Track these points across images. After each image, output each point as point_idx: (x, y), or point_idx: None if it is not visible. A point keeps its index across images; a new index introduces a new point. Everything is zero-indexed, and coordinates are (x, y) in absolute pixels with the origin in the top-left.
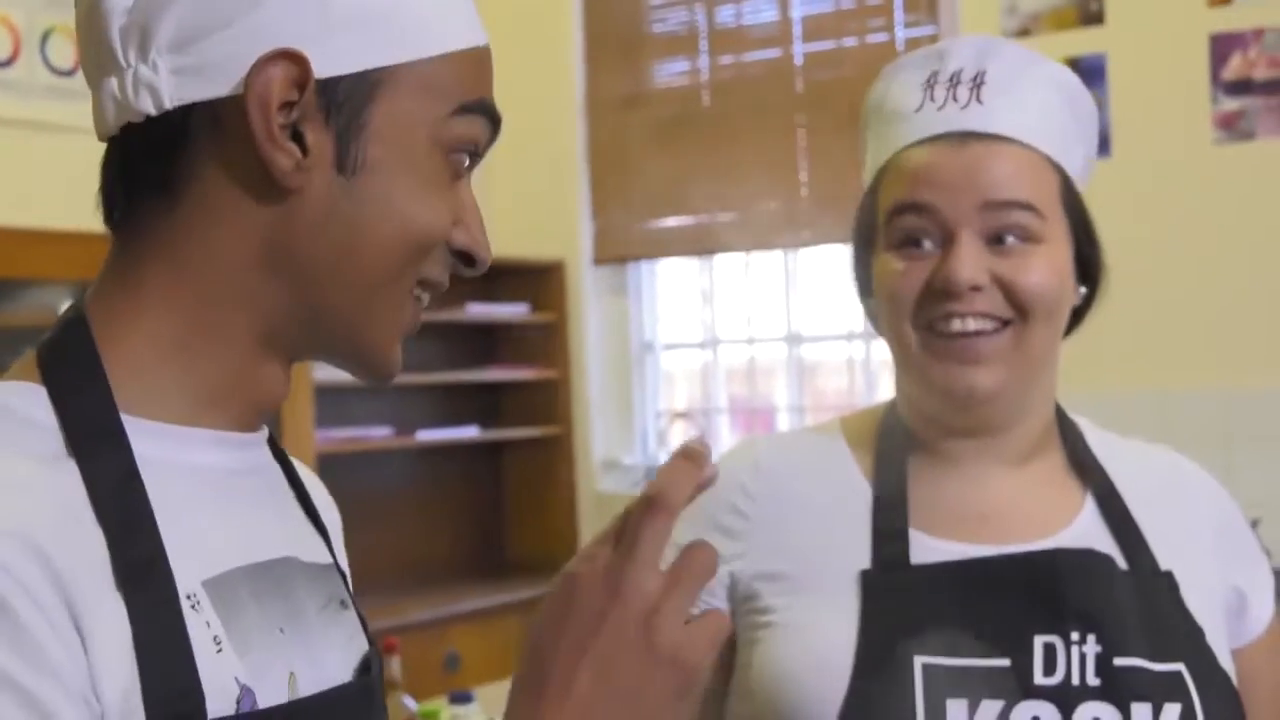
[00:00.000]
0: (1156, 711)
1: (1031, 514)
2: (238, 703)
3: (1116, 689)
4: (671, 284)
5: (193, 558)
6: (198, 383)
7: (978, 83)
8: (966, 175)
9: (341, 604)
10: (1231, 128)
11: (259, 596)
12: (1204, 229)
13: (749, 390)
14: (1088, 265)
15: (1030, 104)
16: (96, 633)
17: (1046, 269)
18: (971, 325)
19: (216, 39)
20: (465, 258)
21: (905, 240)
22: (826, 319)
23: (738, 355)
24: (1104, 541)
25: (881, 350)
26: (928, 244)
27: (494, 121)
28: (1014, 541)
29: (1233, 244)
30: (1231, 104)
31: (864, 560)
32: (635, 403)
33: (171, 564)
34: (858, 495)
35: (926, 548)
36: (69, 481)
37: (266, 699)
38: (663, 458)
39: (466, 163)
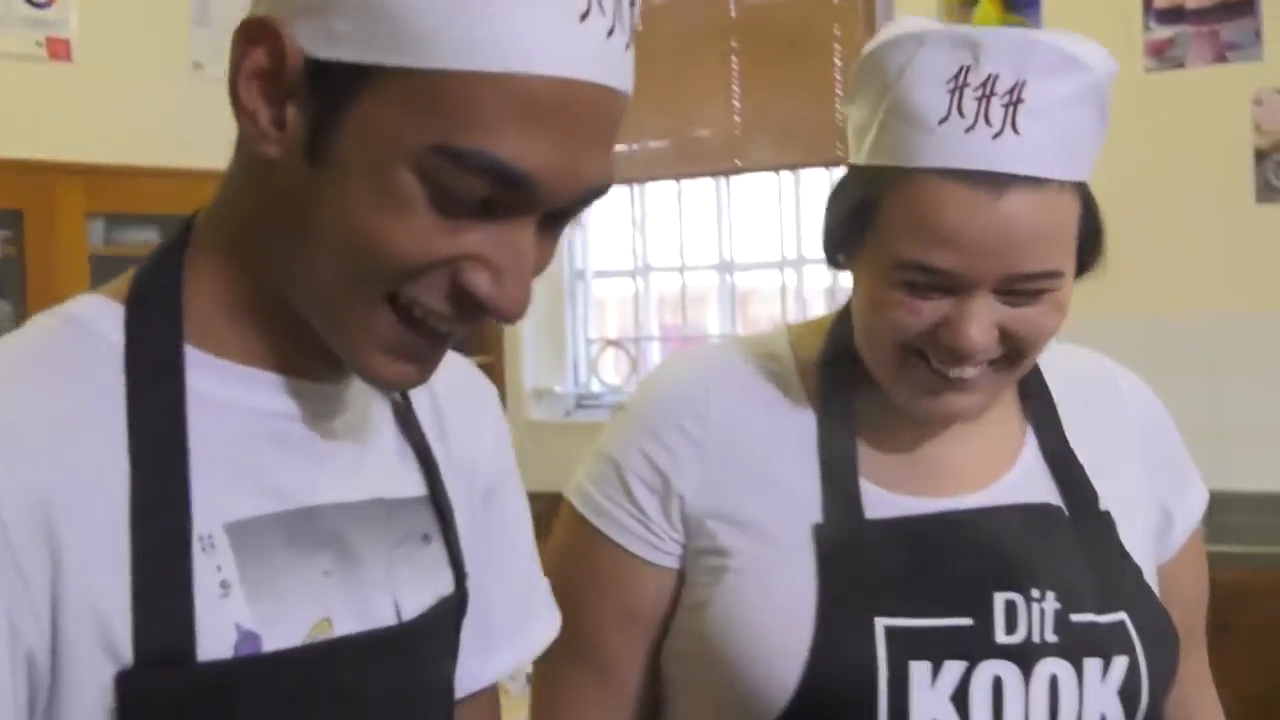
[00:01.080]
0: (1106, 665)
1: (981, 458)
2: (235, 647)
3: (1071, 645)
4: (603, 212)
5: (220, 498)
6: (261, 327)
7: (1014, 100)
8: (995, 241)
9: (424, 538)
10: (1162, 56)
11: (297, 542)
12: (1133, 156)
13: (681, 318)
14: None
15: (1067, 128)
16: (81, 562)
17: (1055, 314)
18: (970, 373)
19: None
20: (471, 299)
21: (910, 284)
22: (759, 246)
23: (670, 283)
24: (1046, 479)
25: (815, 278)
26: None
27: (501, 178)
28: (966, 490)
29: (1162, 172)
30: (1163, 32)
31: (815, 507)
32: (566, 331)
33: (195, 503)
34: (807, 433)
35: (879, 501)
36: (111, 403)
37: (278, 644)
38: (594, 385)
39: (480, 199)
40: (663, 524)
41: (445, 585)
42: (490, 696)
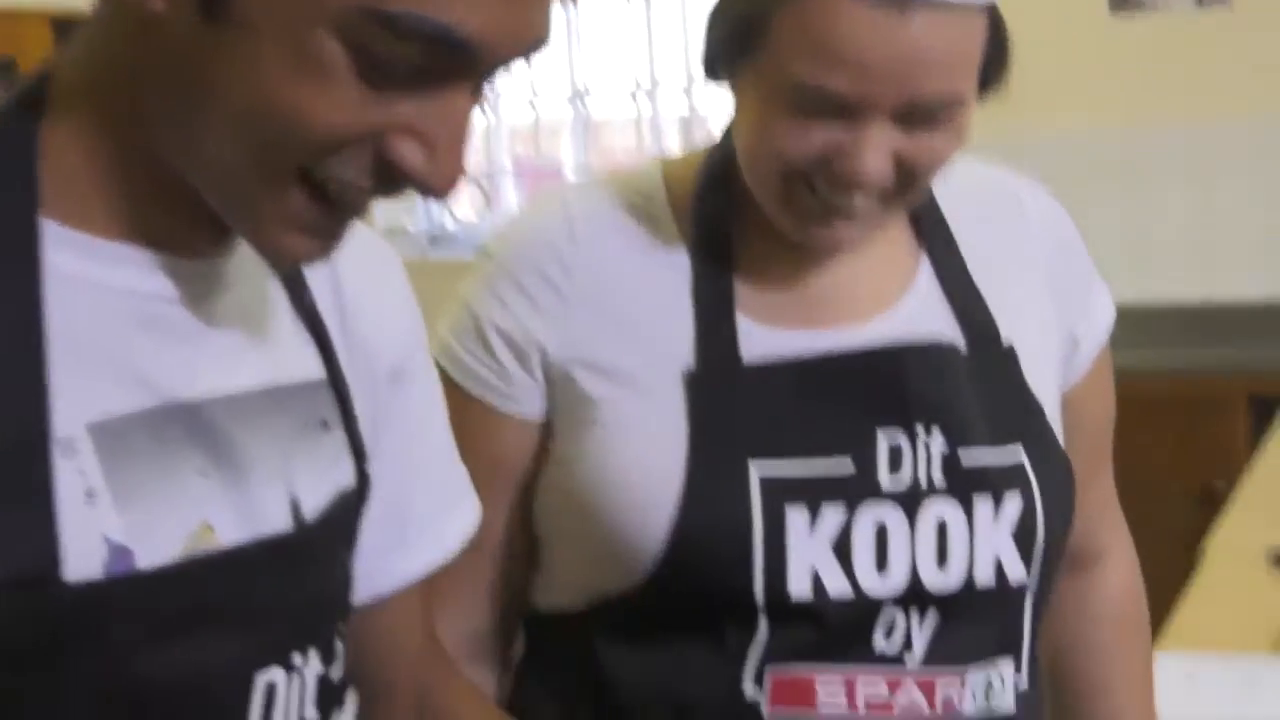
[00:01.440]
0: (998, 502)
1: (870, 287)
2: (106, 565)
3: (959, 484)
4: None
5: (84, 394)
6: (131, 198)
7: None
8: (898, 64)
9: (323, 425)
10: None
11: (168, 440)
12: None
13: (534, 150)
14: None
15: None
16: None
17: (953, 140)
18: (861, 203)
19: None
20: (400, 173)
21: (801, 106)
22: (611, 75)
23: (521, 115)
24: (943, 310)
25: (670, 108)
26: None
27: (440, 44)
28: (851, 321)
29: None
30: None
31: (688, 350)
32: None
33: (54, 400)
34: (680, 273)
35: (757, 339)
36: None
37: (152, 558)
38: (447, 223)
39: (413, 66)
40: (522, 377)
41: (346, 476)
42: (412, 596)
